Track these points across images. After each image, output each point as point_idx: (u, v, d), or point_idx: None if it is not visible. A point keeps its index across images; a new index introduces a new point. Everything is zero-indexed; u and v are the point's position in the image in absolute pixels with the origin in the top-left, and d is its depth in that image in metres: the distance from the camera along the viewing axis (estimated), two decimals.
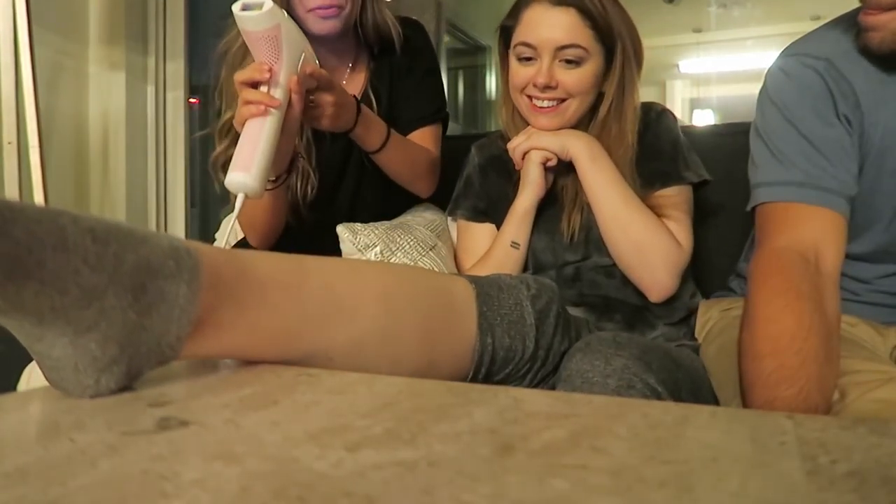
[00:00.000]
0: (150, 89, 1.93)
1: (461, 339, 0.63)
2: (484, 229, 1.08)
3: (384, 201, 1.21)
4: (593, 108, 0.99)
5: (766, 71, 0.86)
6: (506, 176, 1.06)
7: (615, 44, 0.94)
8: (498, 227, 1.05)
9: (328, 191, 1.17)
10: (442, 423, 0.37)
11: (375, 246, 1.11)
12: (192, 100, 2.05)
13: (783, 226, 0.77)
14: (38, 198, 1.46)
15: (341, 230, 1.12)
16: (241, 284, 0.49)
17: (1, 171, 1.50)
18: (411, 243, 1.13)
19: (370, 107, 1.14)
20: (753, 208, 0.81)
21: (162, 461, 0.31)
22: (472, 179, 1.11)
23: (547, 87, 0.93)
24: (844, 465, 0.31)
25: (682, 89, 6.12)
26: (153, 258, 0.44)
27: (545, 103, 0.95)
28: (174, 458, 0.31)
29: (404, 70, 1.19)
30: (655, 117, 1.00)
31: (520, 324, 0.66)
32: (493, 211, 1.08)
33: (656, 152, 0.98)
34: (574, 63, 0.92)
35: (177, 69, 1.97)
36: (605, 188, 0.93)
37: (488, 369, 0.65)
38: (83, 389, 0.42)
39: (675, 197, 0.97)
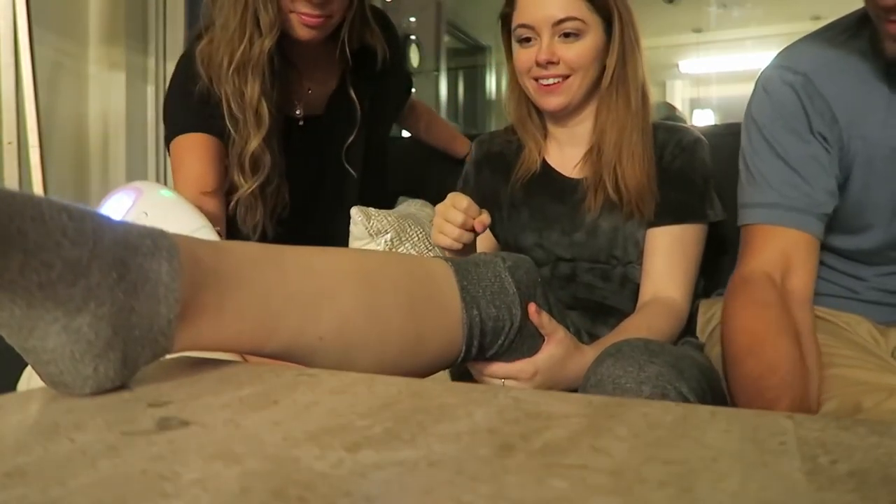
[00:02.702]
0: (150, 89, 1.92)
1: (446, 312, 0.63)
2: None
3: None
4: (598, 84, 0.97)
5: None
6: (500, 174, 1.06)
7: (612, 13, 0.93)
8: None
9: (305, 204, 1.14)
10: (442, 423, 0.37)
11: (387, 232, 1.09)
12: None
13: (753, 248, 0.80)
14: None
15: (355, 213, 1.10)
16: (220, 265, 0.49)
17: (1, 171, 1.50)
18: (420, 236, 1.11)
19: (350, 102, 1.14)
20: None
21: (162, 461, 0.31)
22: (469, 176, 1.11)
23: (549, 63, 0.93)
24: (844, 465, 0.31)
25: (682, 89, 6.11)
26: (130, 237, 0.45)
27: (550, 80, 0.94)
28: (174, 458, 0.31)
29: (388, 74, 1.19)
30: (692, 144, 0.97)
31: (502, 294, 0.67)
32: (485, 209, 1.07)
33: (686, 182, 0.96)
34: (573, 36, 0.92)
35: None
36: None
37: (480, 342, 0.66)
38: (83, 381, 0.42)
39: (690, 236, 0.95)
